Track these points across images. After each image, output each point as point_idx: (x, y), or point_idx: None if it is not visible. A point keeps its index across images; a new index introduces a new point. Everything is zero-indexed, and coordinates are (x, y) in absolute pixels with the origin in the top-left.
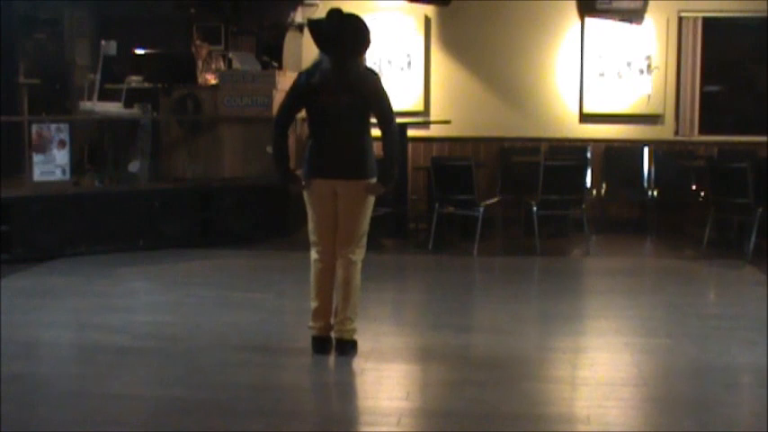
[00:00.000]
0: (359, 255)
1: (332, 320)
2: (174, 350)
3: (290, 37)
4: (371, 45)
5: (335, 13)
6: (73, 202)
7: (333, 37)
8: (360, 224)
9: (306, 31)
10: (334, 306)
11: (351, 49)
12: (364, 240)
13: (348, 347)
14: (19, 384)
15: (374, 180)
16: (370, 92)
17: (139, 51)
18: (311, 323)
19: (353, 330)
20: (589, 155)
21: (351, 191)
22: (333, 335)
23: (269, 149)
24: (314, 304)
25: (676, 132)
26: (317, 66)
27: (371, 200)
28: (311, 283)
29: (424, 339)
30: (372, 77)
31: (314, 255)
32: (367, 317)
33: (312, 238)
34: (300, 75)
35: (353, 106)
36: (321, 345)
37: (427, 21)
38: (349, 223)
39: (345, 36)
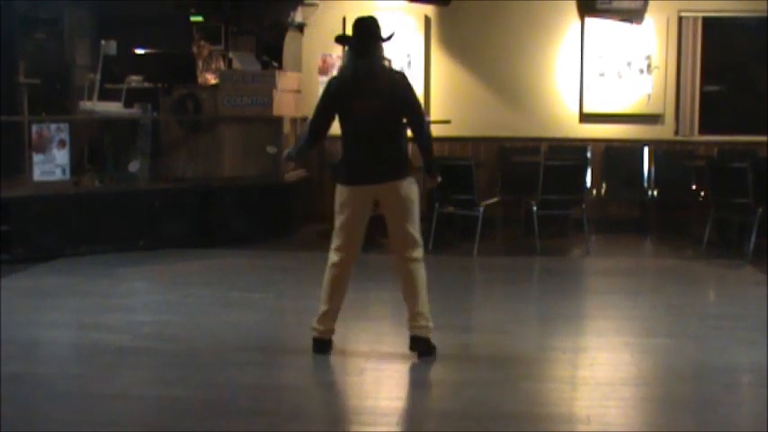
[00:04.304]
0: (419, 253)
1: (335, 325)
2: (173, 350)
3: (290, 37)
4: (382, 40)
5: (354, 22)
6: (73, 201)
7: (351, 42)
8: (412, 222)
9: (305, 30)
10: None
11: (363, 48)
12: (420, 239)
13: (422, 345)
14: (19, 384)
15: (413, 178)
16: (400, 94)
17: (139, 51)
18: (315, 325)
19: (428, 329)
20: (589, 155)
21: (393, 192)
22: (408, 332)
23: (269, 149)
24: (323, 307)
25: (676, 132)
26: (345, 72)
27: (417, 196)
28: (324, 286)
29: None
30: (400, 79)
31: (333, 258)
32: (367, 317)
33: (335, 242)
34: (331, 81)
35: (386, 110)
36: (321, 346)
37: (427, 21)
38: (400, 224)
39: (356, 38)
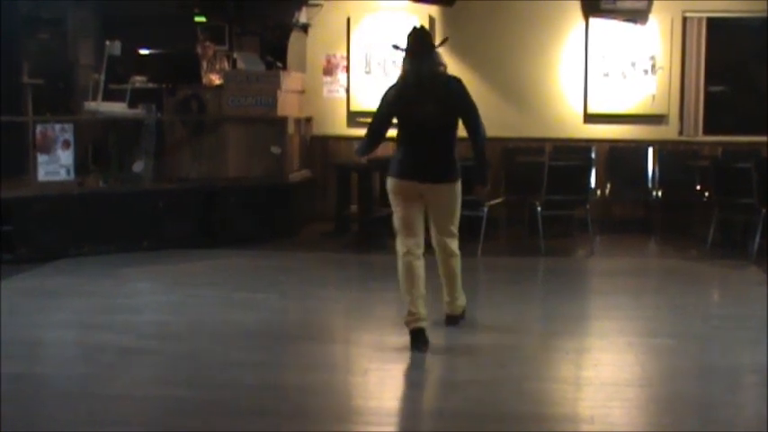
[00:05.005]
0: (456, 245)
1: (425, 312)
2: (177, 350)
3: (294, 37)
4: (431, 46)
5: (410, 31)
6: (77, 202)
7: (408, 49)
8: (453, 220)
9: (309, 31)
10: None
11: (421, 55)
12: (457, 232)
13: (457, 320)
14: (22, 384)
15: (459, 181)
16: (456, 99)
17: (144, 51)
18: (407, 317)
19: (462, 307)
20: (593, 155)
21: (439, 193)
22: (444, 312)
23: (273, 150)
24: (407, 298)
25: (681, 132)
26: (405, 78)
27: (459, 196)
28: (402, 278)
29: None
30: (457, 85)
31: (402, 248)
32: (370, 316)
33: (398, 234)
34: (389, 89)
35: (442, 113)
36: (419, 337)
37: (431, 21)
38: (442, 221)
39: (414, 46)
